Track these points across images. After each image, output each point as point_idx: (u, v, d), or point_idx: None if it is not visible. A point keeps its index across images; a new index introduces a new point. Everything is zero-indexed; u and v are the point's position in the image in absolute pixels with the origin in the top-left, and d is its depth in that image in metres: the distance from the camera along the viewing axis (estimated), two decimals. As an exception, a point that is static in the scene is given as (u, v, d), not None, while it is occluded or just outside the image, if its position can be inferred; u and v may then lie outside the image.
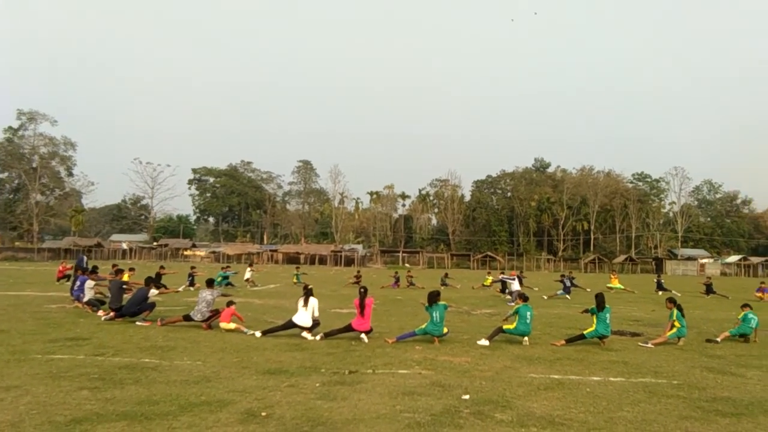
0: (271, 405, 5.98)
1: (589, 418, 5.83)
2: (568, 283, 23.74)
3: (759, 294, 24.91)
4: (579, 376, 7.91)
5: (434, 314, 10.52)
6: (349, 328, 10.68)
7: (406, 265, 71.93)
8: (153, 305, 12.67)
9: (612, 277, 29.71)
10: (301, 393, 6.54)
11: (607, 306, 10.82)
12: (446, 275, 31.59)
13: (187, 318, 11.75)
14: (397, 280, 28.23)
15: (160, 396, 6.25)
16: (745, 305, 12.25)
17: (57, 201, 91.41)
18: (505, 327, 10.89)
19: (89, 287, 14.35)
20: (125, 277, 16.16)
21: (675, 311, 11.14)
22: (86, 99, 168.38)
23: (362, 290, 10.95)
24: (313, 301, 10.91)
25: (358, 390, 6.75)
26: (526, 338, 10.74)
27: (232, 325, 11.29)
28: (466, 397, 6.54)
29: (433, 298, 10.79)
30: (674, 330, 11.04)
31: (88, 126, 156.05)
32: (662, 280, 29.41)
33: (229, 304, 11.74)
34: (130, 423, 5.26)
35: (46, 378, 6.96)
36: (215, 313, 11.71)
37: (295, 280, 28.64)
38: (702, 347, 10.81)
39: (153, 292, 12.89)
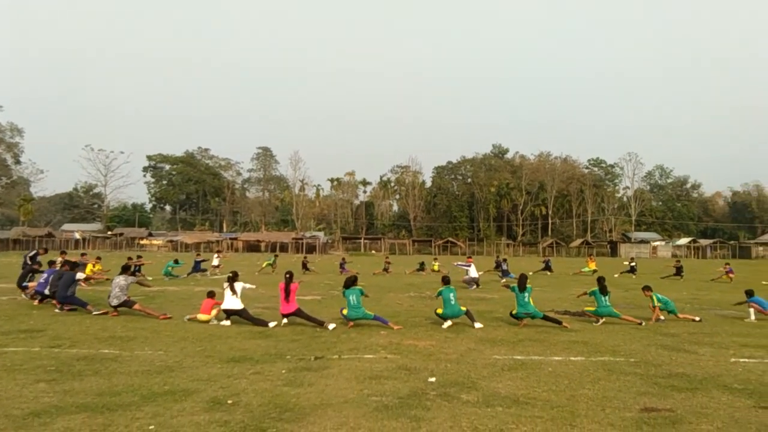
0: (237, 393, 5.92)
1: (552, 397, 5.97)
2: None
3: (727, 275, 25.19)
4: (541, 357, 8.09)
5: (350, 297, 10.65)
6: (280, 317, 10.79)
7: (372, 251, 71.93)
8: (85, 303, 12.10)
9: (589, 260, 30.22)
10: (267, 380, 6.49)
11: (528, 286, 11.13)
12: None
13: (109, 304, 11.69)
14: (386, 267, 28.64)
15: (121, 387, 6.10)
16: (646, 288, 12.62)
17: (4, 190, 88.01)
18: (437, 311, 11.05)
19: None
20: (88, 269, 15.91)
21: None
22: (34, 80, 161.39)
23: (288, 275, 10.89)
24: (239, 286, 10.91)
25: (324, 375, 6.75)
26: (449, 321, 10.74)
27: (209, 316, 10.93)
28: (432, 379, 6.60)
29: (350, 283, 10.99)
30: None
31: (37, 109, 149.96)
32: (634, 264, 29.43)
33: (210, 294, 11.33)
34: (90, 415, 5.12)
35: (0, 371, 6.71)
36: (130, 301, 11.60)
37: (266, 264, 28.65)
38: (656, 326, 11.20)
39: (80, 275, 12.64)
